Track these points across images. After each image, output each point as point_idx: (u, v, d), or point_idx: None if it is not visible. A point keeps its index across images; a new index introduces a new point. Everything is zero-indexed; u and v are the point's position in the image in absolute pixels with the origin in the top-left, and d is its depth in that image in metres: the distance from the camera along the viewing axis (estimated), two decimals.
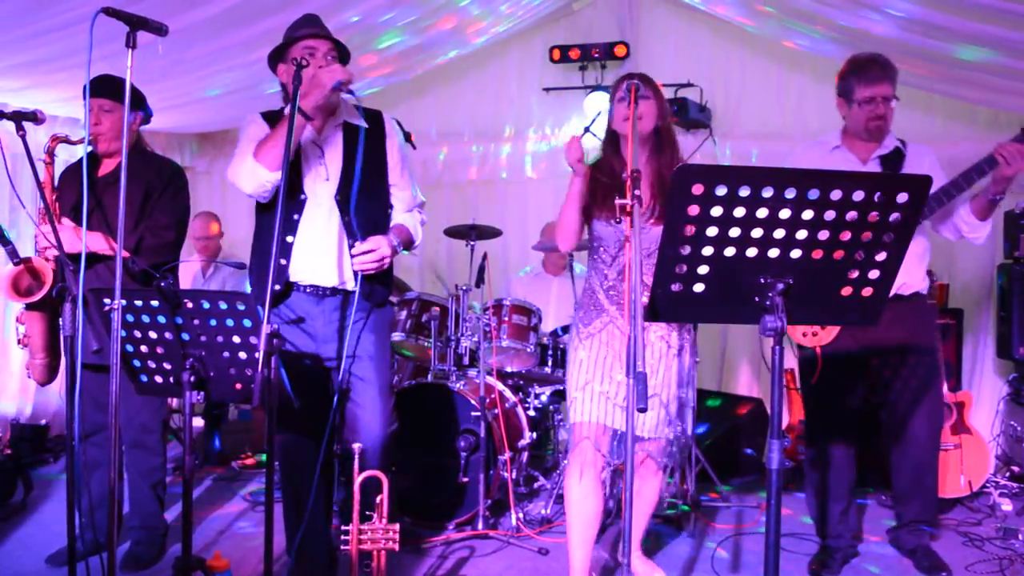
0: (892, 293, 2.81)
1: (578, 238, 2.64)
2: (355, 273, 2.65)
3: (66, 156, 3.26)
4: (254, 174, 2.55)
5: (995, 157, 2.83)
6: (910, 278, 2.96)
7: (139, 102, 3.09)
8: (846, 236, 1.70)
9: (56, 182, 3.01)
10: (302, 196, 2.65)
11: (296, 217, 2.64)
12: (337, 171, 2.68)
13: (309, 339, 2.70)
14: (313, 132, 2.66)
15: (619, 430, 2.51)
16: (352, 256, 2.62)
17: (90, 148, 2.92)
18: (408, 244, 2.82)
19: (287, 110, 2.47)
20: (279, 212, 2.26)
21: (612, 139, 2.66)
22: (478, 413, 3.53)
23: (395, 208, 2.85)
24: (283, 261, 2.63)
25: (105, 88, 2.91)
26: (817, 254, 1.73)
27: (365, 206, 2.70)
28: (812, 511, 3.22)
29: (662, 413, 2.58)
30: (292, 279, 2.66)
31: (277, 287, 2.56)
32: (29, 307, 2.85)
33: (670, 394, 2.59)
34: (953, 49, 3.72)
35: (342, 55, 2.70)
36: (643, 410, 1.77)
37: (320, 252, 2.65)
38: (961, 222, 3.02)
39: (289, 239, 2.63)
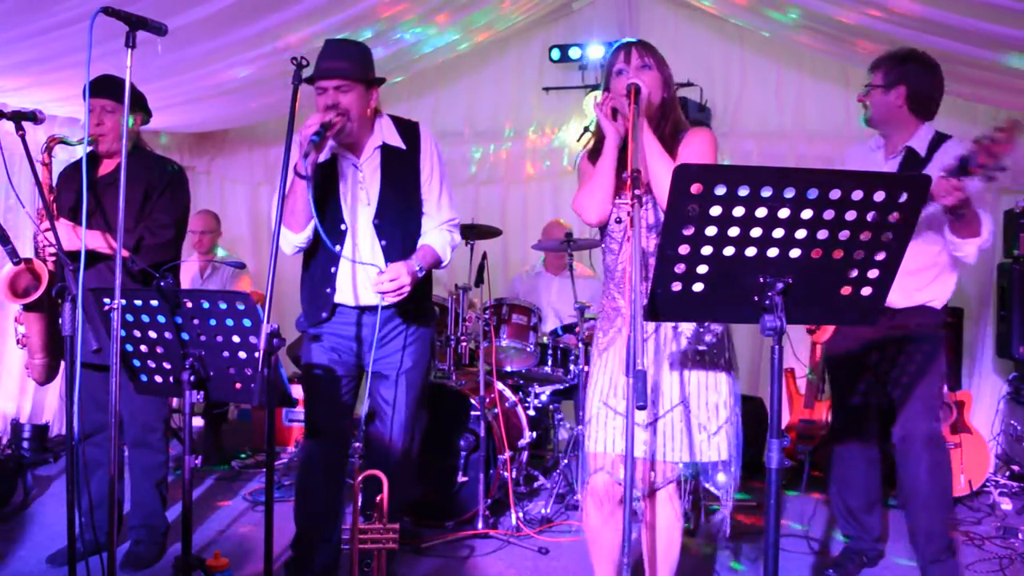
0: (912, 305, 2.80)
1: (610, 205, 2.31)
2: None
3: (65, 156, 3.25)
4: (286, 240, 2.66)
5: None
6: (925, 294, 2.84)
7: (139, 103, 3.09)
8: (845, 235, 1.70)
9: (54, 182, 3.01)
10: (342, 227, 2.69)
11: (338, 248, 2.68)
12: (376, 195, 2.71)
13: (356, 346, 2.76)
14: (353, 158, 2.71)
15: (642, 458, 2.27)
16: (374, 286, 2.61)
17: (90, 148, 2.91)
18: (435, 265, 2.80)
19: (294, 165, 2.49)
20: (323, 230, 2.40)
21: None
22: (478, 413, 3.53)
23: (424, 224, 2.79)
24: (328, 290, 2.72)
25: (107, 88, 2.90)
26: (816, 254, 1.73)
27: (401, 229, 2.74)
28: (834, 509, 3.23)
29: (703, 433, 2.37)
30: (339, 301, 2.73)
31: (324, 315, 2.74)
32: (27, 308, 2.85)
33: (707, 410, 2.41)
34: (952, 45, 3.71)
35: (364, 76, 2.60)
36: (642, 407, 1.75)
37: (364, 277, 2.68)
38: (949, 242, 2.75)
39: (332, 270, 2.71)
